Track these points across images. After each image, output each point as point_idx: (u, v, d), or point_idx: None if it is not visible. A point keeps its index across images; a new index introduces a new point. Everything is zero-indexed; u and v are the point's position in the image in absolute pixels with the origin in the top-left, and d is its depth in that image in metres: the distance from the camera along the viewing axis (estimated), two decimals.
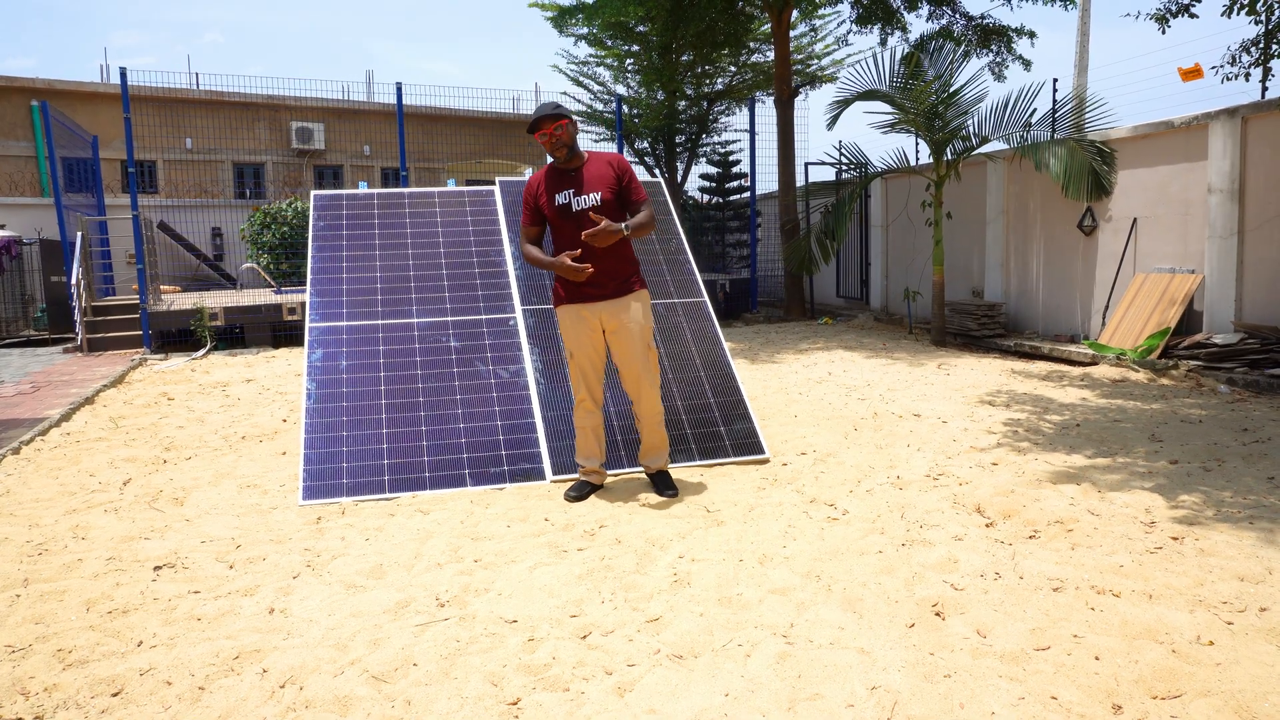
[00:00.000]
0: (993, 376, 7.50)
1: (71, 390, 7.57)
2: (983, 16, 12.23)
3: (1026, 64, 12.47)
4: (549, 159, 4.11)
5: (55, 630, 2.80)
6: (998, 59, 12.40)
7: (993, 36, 12.14)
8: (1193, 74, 8.84)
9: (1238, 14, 6.91)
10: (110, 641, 2.72)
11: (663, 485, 4.20)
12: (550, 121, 3.93)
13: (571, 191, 4.00)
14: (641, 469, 4.49)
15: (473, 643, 2.68)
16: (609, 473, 4.49)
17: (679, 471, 4.53)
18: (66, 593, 3.10)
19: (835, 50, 14.89)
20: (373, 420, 4.57)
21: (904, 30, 12.48)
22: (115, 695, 2.41)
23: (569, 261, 3.91)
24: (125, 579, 3.23)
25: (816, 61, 15.17)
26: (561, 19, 14.23)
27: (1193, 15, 7.60)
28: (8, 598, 3.06)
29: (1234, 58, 7.71)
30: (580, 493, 4.18)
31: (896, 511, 3.83)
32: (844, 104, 10.18)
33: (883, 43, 12.74)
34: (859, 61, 14.41)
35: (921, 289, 11.64)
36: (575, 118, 3.94)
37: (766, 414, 6.03)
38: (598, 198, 3.96)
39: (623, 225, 3.90)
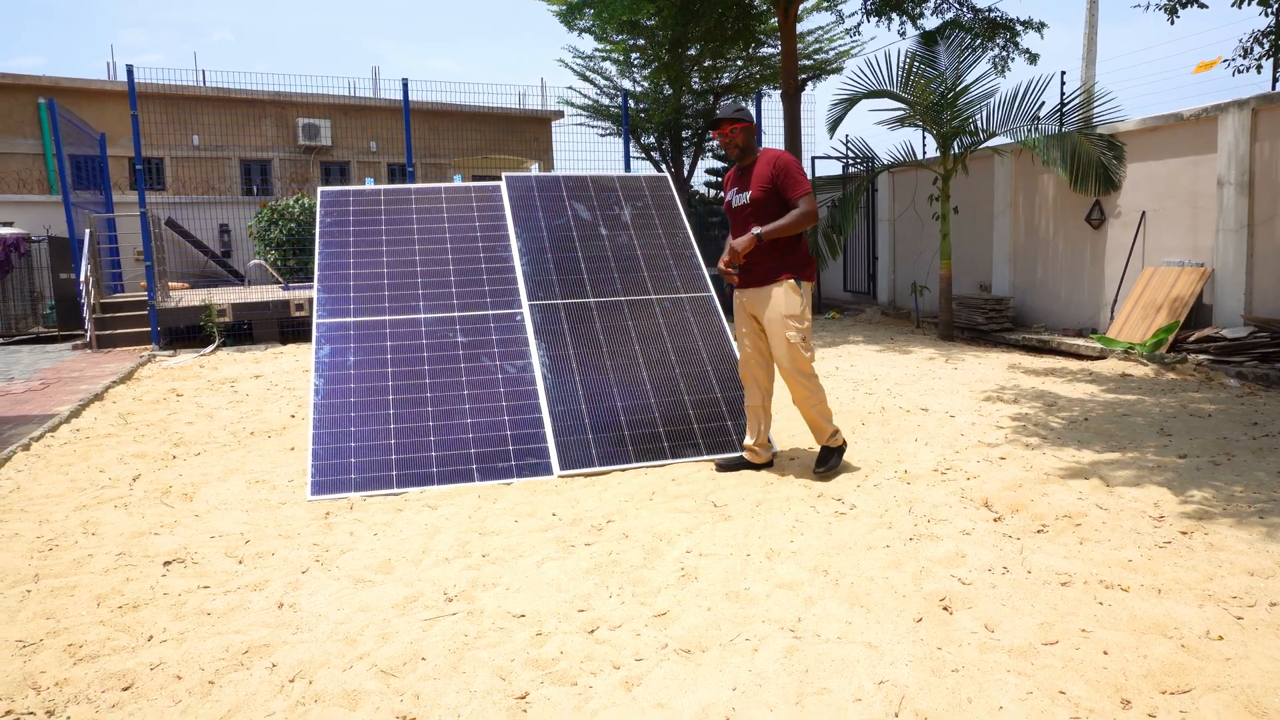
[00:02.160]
0: (1000, 371, 7.48)
1: (81, 387, 7.61)
2: (989, 10, 12.15)
3: (1033, 58, 12.38)
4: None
5: (66, 625, 2.82)
6: (1002, 53, 12.32)
7: (999, 30, 12.07)
8: (1207, 66, 8.79)
9: (1248, 4, 6.86)
10: (120, 636, 2.74)
11: (819, 461, 4.39)
12: (728, 123, 4.21)
13: (737, 189, 4.29)
14: (643, 466, 4.54)
15: (481, 637, 2.69)
16: (618, 467, 4.50)
17: (686, 466, 4.53)
18: (77, 588, 3.12)
19: (843, 43, 14.83)
20: (380, 416, 4.59)
21: (916, 20, 12.40)
22: (126, 690, 2.43)
23: (722, 265, 4.30)
24: (135, 574, 3.25)
25: (823, 54, 15.11)
26: (570, 14, 14.19)
27: (1202, 5, 7.55)
28: (19, 593, 3.09)
29: (1245, 50, 7.66)
30: (729, 465, 4.47)
31: (904, 506, 3.83)
32: (849, 103, 10.13)
33: (902, 34, 12.68)
34: (868, 56, 14.33)
35: (929, 283, 11.61)
36: (752, 122, 4.27)
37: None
38: (749, 197, 4.20)
39: (755, 233, 4.12)
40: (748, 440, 4.48)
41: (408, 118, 11.50)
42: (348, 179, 21.45)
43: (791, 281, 4.17)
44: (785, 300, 4.16)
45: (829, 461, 4.35)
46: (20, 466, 4.93)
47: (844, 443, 4.42)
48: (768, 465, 4.51)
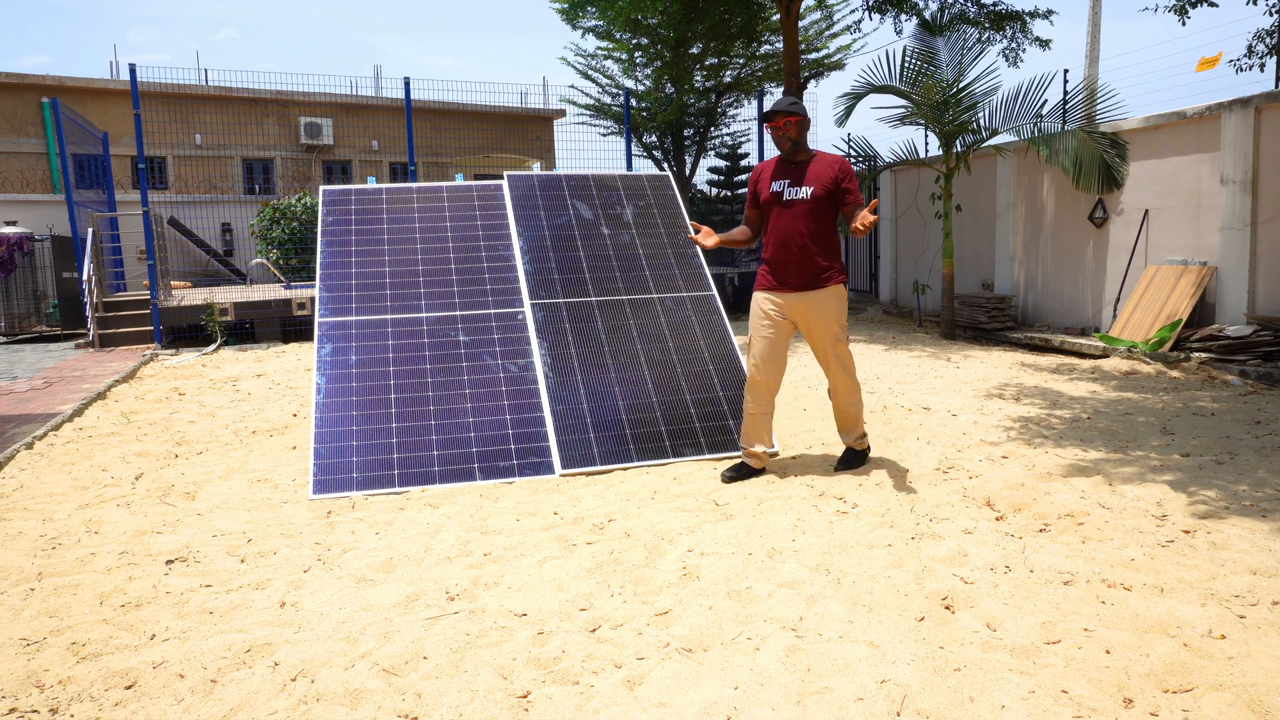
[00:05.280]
0: (1003, 369, 7.47)
1: (84, 386, 7.62)
2: (995, 3, 12.10)
3: (1044, 44, 12.30)
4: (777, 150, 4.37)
5: (69, 623, 2.83)
6: (1012, 44, 12.26)
7: (1006, 21, 12.01)
8: (1209, 64, 8.77)
9: (1254, 2, 6.85)
10: (123, 635, 2.74)
11: (842, 460, 4.45)
12: (783, 115, 4.18)
13: (788, 182, 4.24)
14: (645, 464, 4.54)
15: (482, 636, 2.69)
16: (619, 466, 4.50)
17: (687, 465, 4.53)
18: (80, 586, 3.12)
19: (843, 37, 14.81)
20: (382, 414, 4.59)
21: (922, 14, 12.36)
22: (129, 688, 2.43)
23: (696, 235, 4.35)
24: (138, 573, 3.25)
25: (825, 49, 15.10)
26: (572, 12, 14.18)
27: (1212, 4, 7.53)
28: (22, 591, 3.09)
29: (1250, 48, 7.65)
30: (736, 474, 4.32)
31: (906, 505, 3.82)
32: (856, 98, 10.12)
33: (898, 31, 12.64)
34: (871, 53, 14.33)
35: (931, 282, 11.60)
36: (807, 117, 4.25)
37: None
38: (809, 193, 4.17)
39: (874, 216, 3.91)
40: (758, 448, 4.32)
41: (409, 117, 11.50)
42: (350, 178, 21.46)
43: (840, 286, 4.25)
44: (837, 304, 4.22)
45: (853, 464, 4.41)
46: (24, 465, 4.94)
47: (869, 448, 4.53)
48: (764, 470, 4.48)
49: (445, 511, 3.92)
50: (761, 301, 4.28)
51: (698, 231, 4.40)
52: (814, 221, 4.15)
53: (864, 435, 4.47)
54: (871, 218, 3.90)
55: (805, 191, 4.16)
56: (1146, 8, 8.35)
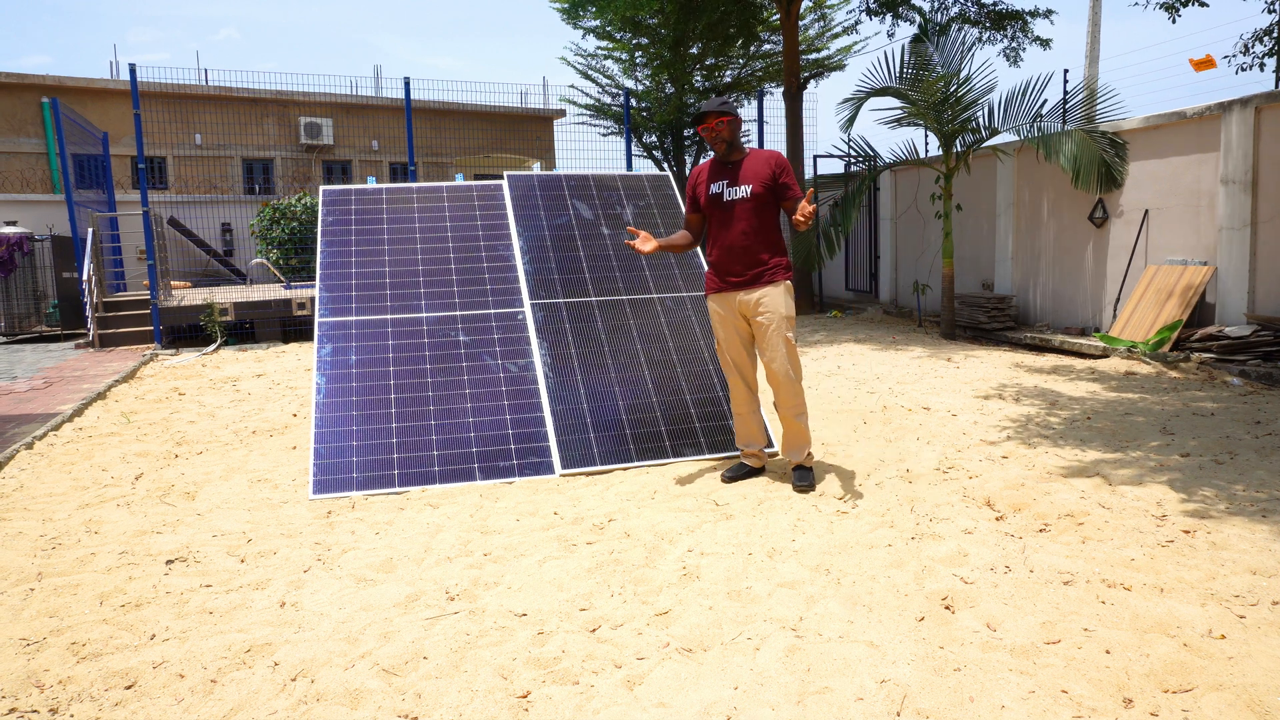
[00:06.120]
0: (1003, 369, 7.47)
1: (84, 385, 7.62)
2: (995, 3, 12.10)
3: (1045, 44, 12.31)
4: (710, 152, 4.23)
5: (69, 623, 2.83)
6: (1013, 44, 12.27)
7: (1006, 20, 12.02)
8: (1204, 64, 8.77)
9: None
10: (123, 635, 2.74)
11: (797, 478, 4.16)
12: (714, 116, 4.12)
13: (726, 183, 4.19)
14: (645, 464, 4.53)
15: (482, 636, 2.69)
16: (619, 466, 4.50)
17: (687, 465, 4.53)
18: (80, 586, 3.13)
19: (843, 38, 14.83)
20: (382, 414, 4.59)
21: (920, 15, 12.38)
22: (129, 688, 2.43)
23: (633, 241, 4.20)
24: (138, 573, 3.25)
25: (825, 50, 15.10)
26: (573, 11, 14.20)
27: (1203, 4, 7.53)
28: (22, 591, 3.09)
29: (1247, 47, 7.65)
30: (735, 474, 4.29)
31: (906, 505, 3.82)
32: (859, 103, 10.12)
33: (890, 34, 12.69)
34: (872, 53, 14.37)
35: (931, 282, 11.60)
36: (738, 115, 4.21)
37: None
38: (749, 190, 4.13)
39: (811, 207, 3.84)
40: (755, 447, 4.35)
41: (409, 117, 11.50)
42: (349, 178, 21.46)
43: (787, 282, 4.17)
44: (785, 301, 4.11)
45: (808, 478, 4.16)
46: (24, 465, 4.94)
47: (814, 464, 4.37)
48: (764, 469, 4.47)
49: (445, 511, 3.92)
50: (715, 305, 4.26)
51: (634, 237, 4.29)
52: (755, 219, 4.10)
53: (811, 453, 4.24)
54: (810, 208, 3.82)
55: (744, 190, 4.12)
56: (1137, 3, 8.32)
